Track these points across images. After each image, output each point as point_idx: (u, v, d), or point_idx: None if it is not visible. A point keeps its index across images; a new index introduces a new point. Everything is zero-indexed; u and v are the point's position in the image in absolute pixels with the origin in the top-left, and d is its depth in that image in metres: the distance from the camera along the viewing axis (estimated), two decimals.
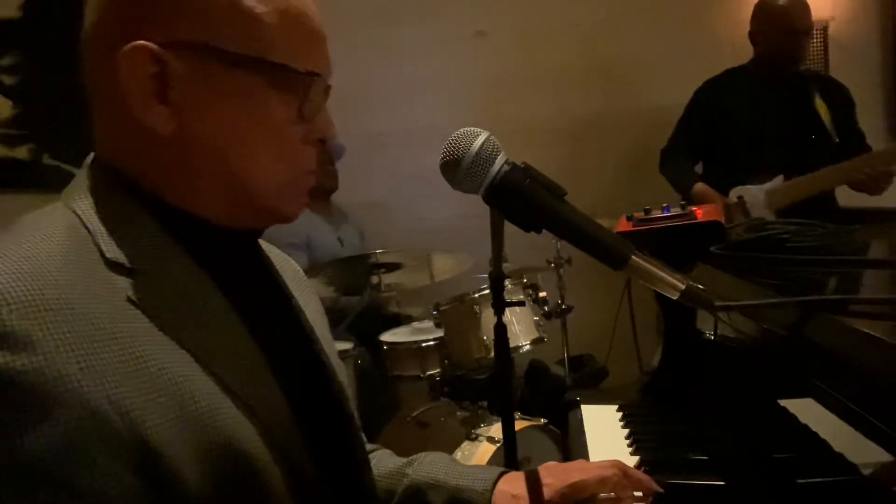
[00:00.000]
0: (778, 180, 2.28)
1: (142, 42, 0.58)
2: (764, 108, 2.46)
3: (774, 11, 2.39)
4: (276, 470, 0.60)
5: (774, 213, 2.25)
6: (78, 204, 0.60)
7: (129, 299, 0.55)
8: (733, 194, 2.33)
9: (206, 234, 0.65)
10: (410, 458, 0.90)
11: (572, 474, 0.82)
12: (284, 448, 0.61)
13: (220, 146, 0.62)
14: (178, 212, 0.63)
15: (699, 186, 2.42)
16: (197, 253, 0.63)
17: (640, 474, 0.86)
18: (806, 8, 2.36)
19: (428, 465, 0.87)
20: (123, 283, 0.56)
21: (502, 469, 0.86)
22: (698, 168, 2.67)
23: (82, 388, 0.49)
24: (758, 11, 2.47)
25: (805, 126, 2.39)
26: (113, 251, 0.57)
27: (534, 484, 0.79)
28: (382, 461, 0.91)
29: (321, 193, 2.86)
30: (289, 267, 0.85)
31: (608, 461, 0.85)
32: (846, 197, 2.47)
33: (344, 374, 0.80)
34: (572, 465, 0.86)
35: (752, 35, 2.51)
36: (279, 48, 0.61)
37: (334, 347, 0.84)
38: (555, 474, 0.82)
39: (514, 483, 0.82)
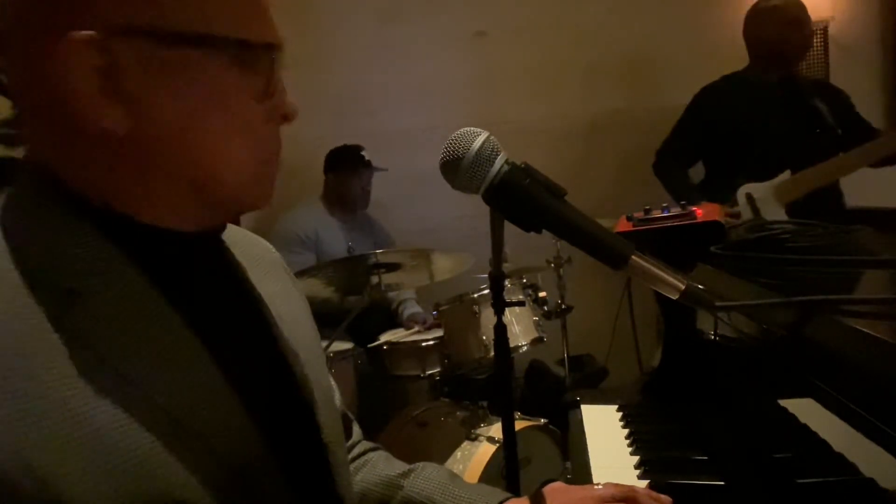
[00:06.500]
0: (785, 175, 2.31)
1: (85, 32, 0.50)
2: (765, 110, 2.48)
3: (770, 7, 2.45)
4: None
5: (785, 207, 2.28)
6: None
7: (61, 328, 0.49)
8: (742, 192, 2.35)
9: (158, 241, 0.58)
10: (407, 468, 0.85)
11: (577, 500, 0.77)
12: (252, 479, 0.56)
13: (181, 139, 0.55)
14: (125, 219, 0.56)
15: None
16: (146, 264, 0.56)
17: (652, 495, 0.78)
18: (801, 5, 2.41)
19: (424, 482, 0.82)
20: (56, 310, 0.50)
21: (503, 495, 0.81)
22: (699, 169, 2.68)
23: None
24: (754, 13, 2.51)
25: (807, 123, 2.43)
26: (46, 273, 0.51)
27: None
28: (377, 467, 0.86)
29: (352, 207, 2.83)
30: (260, 252, 0.77)
31: (618, 488, 0.79)
32: (855, 198, 2.49)
33: (322, 369, 0.74)
34: (577, 490, 0.80)
35: (748, 37, 2.54)
36: (228, 21, 0.55)
37: (315, 336, 0.78)
38: (559, 500, 0.77)
39: None
